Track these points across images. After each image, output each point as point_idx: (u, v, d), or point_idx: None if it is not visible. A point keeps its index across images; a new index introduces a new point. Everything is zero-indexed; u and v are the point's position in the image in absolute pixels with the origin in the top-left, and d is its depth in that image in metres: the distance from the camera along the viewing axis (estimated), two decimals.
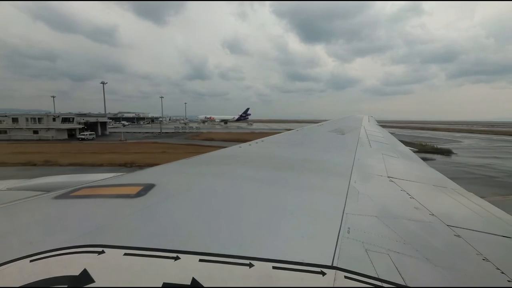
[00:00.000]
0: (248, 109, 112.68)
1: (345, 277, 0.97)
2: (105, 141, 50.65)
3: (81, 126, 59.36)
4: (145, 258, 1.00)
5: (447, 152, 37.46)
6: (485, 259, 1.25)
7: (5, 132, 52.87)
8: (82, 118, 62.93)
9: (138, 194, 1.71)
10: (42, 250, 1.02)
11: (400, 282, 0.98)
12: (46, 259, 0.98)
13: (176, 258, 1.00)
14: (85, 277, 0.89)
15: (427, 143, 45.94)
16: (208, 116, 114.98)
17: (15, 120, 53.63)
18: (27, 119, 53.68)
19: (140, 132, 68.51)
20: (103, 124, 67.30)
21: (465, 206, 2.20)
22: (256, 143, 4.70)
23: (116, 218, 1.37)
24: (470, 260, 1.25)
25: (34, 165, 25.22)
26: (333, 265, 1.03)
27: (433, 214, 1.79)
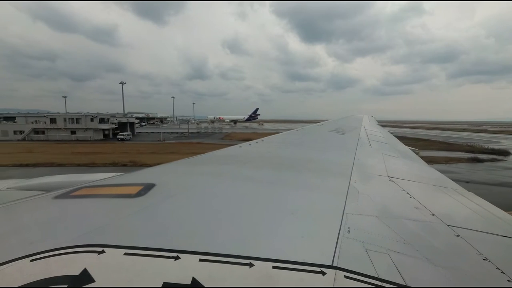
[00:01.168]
0: (257, 109, 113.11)
1: (345, 276, 0.97)
2: (144, 141, 50.21)
3: (115, 126, 59.65)
4: (145, 258, 1.00)
5: (505, 153, 36.48)
6: (485, 259, 1.25)
7: (43, 132, 52.90)
8: (116, 118, 63.29)
9: (138, 194, 1.71)
10: (42, 250, 1.02)
11: (400, 282, 0.98)
12: (46, 259, 0.98)
13: (176, 258, 1.00)
14: (85, 277, 0.89)
15: (473, 144, 45.36)
16: (218, 116, 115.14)
17: (53, 120, 53.69)
18: (65, 120, 53.78)
19: (166, 132, 68.30)
20: (132, 124, 67.78)
21: (465, 206, 2.20)
22: (256, 143, 4.70)
23: (116, 218, 1.37)
24: (470, 260, 1.25)
25: (125, 165, 25.55)
26: (333, 265, 1.03)
27: (433, 214, 1.79)
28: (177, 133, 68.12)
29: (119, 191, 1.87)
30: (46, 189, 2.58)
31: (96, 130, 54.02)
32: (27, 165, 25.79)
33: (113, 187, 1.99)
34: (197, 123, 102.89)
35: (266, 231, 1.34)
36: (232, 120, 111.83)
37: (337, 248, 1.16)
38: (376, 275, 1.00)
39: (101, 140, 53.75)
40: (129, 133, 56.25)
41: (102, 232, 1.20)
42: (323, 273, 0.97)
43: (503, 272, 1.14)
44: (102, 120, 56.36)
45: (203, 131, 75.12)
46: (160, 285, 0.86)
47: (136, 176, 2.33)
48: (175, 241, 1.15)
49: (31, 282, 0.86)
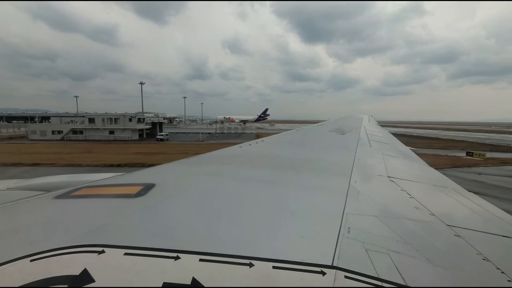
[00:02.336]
0: (267, 109, 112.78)
1: (345, 277, 0.97)
2: (184, 141, 49.85)
3: (149, 126, 59.66)
4: (145, 258, 1.00)
5: None
6: (485, 259, 1.25)
7: (81, 132, 52.92)
8: (149, 119, 63.31)
9: (138, 194, 1.71)
10: (42, 250, 1.02)
11: (400, 282, 0.98)
12: (47, 258, 0.98)
13: (176, 258, 1.00)
14: (86, 276, 0.89)
15: None
16: (227, 117, 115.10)
17: (91, 120, 53.64)
18: (103, 120, 53.72)
19: (194, 133, 68.01)
20: (161, 125, 67.87)
21: (465, 206, 2.20)
22: (256, 143, 4.70)
23: (116, 218, 1.37)
24: (470, 260, 1.25)
25: None
26: (333, 265, 1.03)
27: (433, 214, 1.79)
28: (206, 133, 67.90)
29: (119, 191, 1.87)
30: (46, 189, 2.59)
31: (133, 130, 54.15)
32: (111, 165, 25.79)
33: (113, 187, 1.99)
34: (209, 123, 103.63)
35: (266, 231, 1.34)
36: (241, 121, 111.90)
37: (337, 248, 1.16)
38: (376, 275, 1.00)
39: (139, 140, 53.62)
40: (167, 133, 56.21)
41: (102, 232, 1.20)
42: (323, 273, 0.97)
43: (503, 272, 1.14)
44: (138, 120, 56.59)
45: (225, 131, 74.99)
46: (160, 285, 0.86)
47: (136, 176, 2.33)
48: (175, 241, 1.15)
49: (31, 282, 0.86)
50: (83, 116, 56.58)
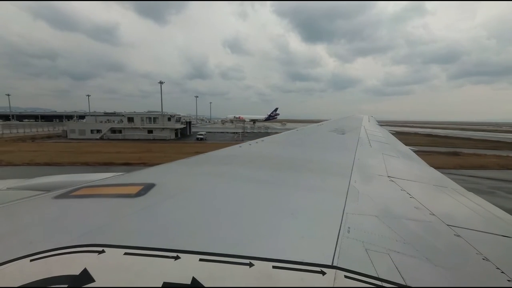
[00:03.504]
0: (276, 108, 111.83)
1: (345, 276, 0.97)
2: (224, 141, 49.29)
3: (184, 126, 59.82)
4: (145, 258, 1.00)
5: None
6: (485, 258, 1.25)
7: (120, 131, 52.97)
8: (184, 118, 63.43)
9: (138, 194, 1.71)
10: (42, 250, 1.01)
11: (400, 281, 0.98)
12: (46, 258, 0.98)
13: (176, 258, 1.00)
14: (85, 276, 0.89)
15: None
16: (237, 116, 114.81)
17: (130, 119, 53.67)
18: (142, 119, 53.72)
19: (223, 132, 67.36)
20: (190, 124, 68.19)
21: (465, 206, 2.20)
22: (256, 143, 4.70)
23: (116, 218, 1.37)
24: (470, 260, 1.25)
25: None
26: (333, 264, 1.03)
27: (433, 214, 1.79)
28: (232, 133, 67.36)
29: (119, 191, 1.87)
30: (46, 189, 2.58)
31: (171, 130, 54.03)
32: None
33: (113, 187, 1.99)
34: (223, 123, 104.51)
35: (266, 231, 1.34)
36: (251, 120, 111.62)
37: (337, 248, 1.16)
38: (376, 275, 1.00)
39: (176, 139, 53.31)
40: (205, 132, 56.28)
41: (102, 232, 1.20)
42: (323, 273, 0.97)
43: (503, 272, 1.14)
44: (176, 120, 56.72)
45: (249, 130, 74.81)
46: (160, 285, 0.86)
47: (136, 176, 2.33)
48: (175, 241, 1.15)
49: (31, 282, 0.86)
50: (123, 115, 56.61)
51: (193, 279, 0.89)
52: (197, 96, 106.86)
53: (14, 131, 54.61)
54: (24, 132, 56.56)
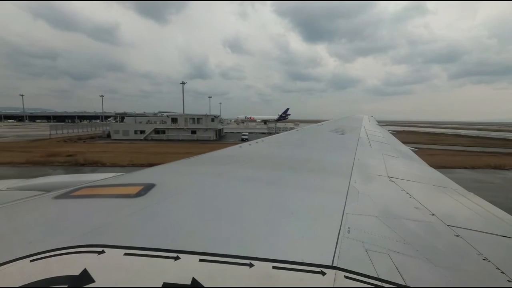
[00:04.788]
0: (287, 109, 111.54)
1: (345, 277, 0.97)
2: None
3: (222, 127, 59.89)
4: (145, 258, 1.00)
5: None
6: (485, 259, 1.24)
7: (163, 132, 52.96)
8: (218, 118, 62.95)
9: (138, 194, 1.71)
10: (42, 250, 1.01)
11: (400, 282, 0.98)
12: (46, 259, 0.98)
13: (176, 258, 1.00)
14: (85, 277, 0.89)
15: None
16: (248, 116, 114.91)
17: (174, 120, 53.71)
18: (186, 120, 53.76)
19: (252, 133, 66.42)
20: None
21: (465, 206, 2.20)
22: (256, 143, 4.70)
23: (116, 218, 1.37)
24: (470, 260, 1.25)
25: None
26: (333, 265, 1.03)
27: (433, 214, 1.79)
28: (263, 133, 66.74)
29: (119, 191, 1.87)
30: (46, 189, 2.58)
31: (213, 130, 54.10)
32: None
33: (113, 187, 1.99)
34: (237, 123, 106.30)
35: (266, 231, 1.34)
36: (263, 120, 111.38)
37: (337, 248, 1.16)
38: (376, 275, 0.99)
39: (219, 139, 53.12)
40: (248, 133, 56.40)
41: (102, 232, 1.20)
42: (323, 273, 0.97)
43: (503, 272, 1.14)
44: (217, 121, 56.65)
45: (272, 130, 74.35)
46: (160, 285, 0.86)
47: (136, 176, 2.33)
48: (175, 241, 1.15)
49: (31, 282, 0.86)
50: (167, 116, 56.60)
51: (193, 279, 0.89)
52: (211, 97, 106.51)
53: (53, 132, 54.18)
54: (62, 132, 56.31)
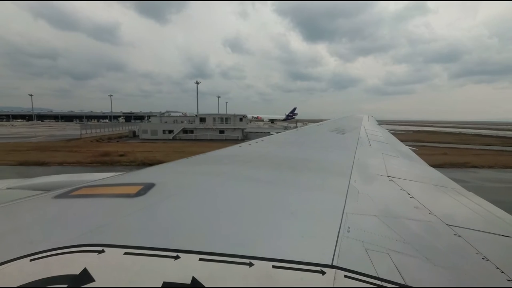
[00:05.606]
0: (295, 108, 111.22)
1: (345, 276, 0.97)
2: None
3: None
4: (145, 257, 1.00)
5: None
6: (484, 258, 1.25)
7: (191, 131, 52.83)
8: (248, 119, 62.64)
9: (138, 194, 1.71)
10: (42, 250, 1.01)
11: (400, 281, 0.98)
12: (46, 258, 0.98)
13: (176, 258, 1.00)
14: (85, 276, 0.89)
15: None
16: (256, 116, 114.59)
17: (202, 120, 53.53)
18: (214, 119, 53.53)
19: (263, 132, 66.72)
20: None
21: (465, 205, 2.20)
22: (256, 142, 4.70)
23: (116, 218, 1.37)
24: (470, 260, 1.25)
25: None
26: (333, 264, 1.03)
27: (433, 214, 1.79)
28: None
29: (119, 191, 1.87)
30: (46, 189, 2.58)
31: (241, 130, 53.97)
32: None
33: (113, 186, 1.99)
34: (247, 123, 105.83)
35: (266, 231, 1.34)
36: (270, 120, 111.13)
37: (337, 248, 1.16)
38: (376, 275, 1.00)
39: (245, 139, 52.88)
40: (275, 133, 56.25)
41: (102, 232, 1.20)
42: (323, 273, 0.97)
43: (502, 272, 1.14)
44: (242, 120, 56.74)
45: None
46: (160, 285, 0.86)
47: (136, 176, 2.33)
48: (175, 241, 1.15)
49: (31, 282, 0.86)
50: (196, 115, 56.61)
51: (193, 279, 0.89)
52: (219, 97, 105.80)
53: (83, 131, 53.45)
54: (91, 132, 55.63)
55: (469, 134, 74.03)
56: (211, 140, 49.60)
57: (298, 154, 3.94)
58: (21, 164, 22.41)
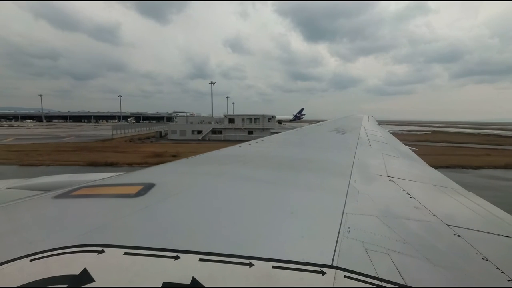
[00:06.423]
0: (302, 109, 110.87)
1: (345, 276, 0.97)
2: None
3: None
4: (145, 258, 1.00)
5: None
6: (484, 258, 1.24)
7: (220, 132, 52.95)
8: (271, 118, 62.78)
9: (138, 194, 1.71)
10: (42, 250, 1.01)
11: (400, 281, 0.98)
12: (46, 258, 0.98)
13: (176, 258, 1.00)
14: (85, 276, 0.89)
15: None
16: None
17: (231, 120, 53.85)
18: (243, 120, 53.85)
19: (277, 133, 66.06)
20: None
21: (465, 205, 2.20)
22: (256, 142, 4.70)
23: (116, 218, 1.37)
24: (470, 260, 1.25)
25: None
26: (333, 264, 1.03)
27: (433, 214, 1.79)
28: None
29: (119, 191, 1.87)
30: (46, 189, 2.58)
31: (269, 130, 53.49)
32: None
33: (113, 187, 1.99)
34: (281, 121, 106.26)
35: (266, 231, 1.34)
36: (278, 120, 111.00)
37: (337, 248, 1.16)
38: (376, 275, 1.00)
39: None
40: None
41: (102, 232, 1.20)
42: (323, 273, 0.97)
43: (502, 272, 1.14)
44: (269, 121, 56.69)
45: None
46: (160, 285, 0.86)
47: (136, 176, 2.33)
48: (175, 241, 1.15)
49: (30, 282, 0.86)
50: (225, 116, 56.75)
51: (193, 279, 0.89)
52: (228, 97, 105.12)
53: (115, 132, 53.25)
54: (121, 132, 55.46)
55: (488, 134, 72.34)
56: (240, 141, 50.72)
57: (298, 154, 3.94)
58: (90, 164, 22.25)
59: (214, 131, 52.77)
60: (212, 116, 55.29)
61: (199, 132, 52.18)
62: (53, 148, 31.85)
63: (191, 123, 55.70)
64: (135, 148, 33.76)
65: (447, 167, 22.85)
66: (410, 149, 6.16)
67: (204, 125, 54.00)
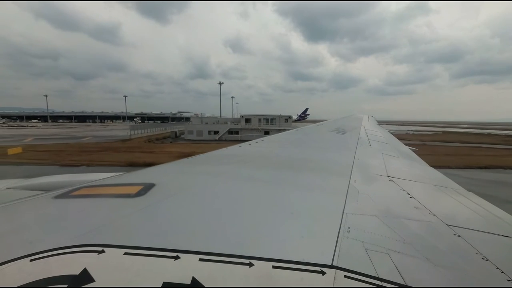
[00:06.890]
0: (307, 109, 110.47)
1: (345, 276, 0.97)
2: None
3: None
4: (145, 258, 1.00)
5: None
6: (484, 258, 1.24)
7: (237, 132, 53.06)
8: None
9: (138, 194, 1.71)
10: (42, 250, 1.02)
11: (400, 281, 0.98)
12: (46, 258, 0.98)
13: (176, 258, 1.00)
14: (85, 276, 0.89)
15: None
16: None
17: (248, 120, 54.06)
18: (259, 120, 53.97)
19: None
20: None
21: (465, 205, 2.20)
22: (256, 142, 4.70)
23: (116, 218, 1.37)
24: (470, 260, 1.25)
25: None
26: (333, 264, 1.03)
27: (433, 214, 1.79)
28: None
29: (119, 191, 1.87)
30: (46, 189, 2.59)
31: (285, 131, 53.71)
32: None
33: (113, 187, 1.99)
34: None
35: (266, 231, 1.34)
36: None
37: (337, 248, 1.16)
38: (376, 275, 1.00)
39: None
40: None
41: (102, 232, 1.20)
42: (323, 273, 0.97)
43: (502, 272, 1.14)
44: (286, 121, 56.69)
45: None
46: (160, 285, 0.86)
47: (136, 176, 2.33)
48: (175, 241, 1.15)
49: (31, 282, 0.86)
50: (242, 117, 56.93)
51: (193, 279, 0.89)
52: (233, 97, 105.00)
53: (133, 132, 53.38)
54: (138, 133, 55.48)
55: (500, 135, 71.09)
56: None
57: (298, 154, 3.94)
58: (130, 164, 22.00)
59: (230, 132, 52.95)
60: (220, 116, 55.09)
61: (216, 132, 52.32)
62: (79, 149, 31.63)
63: (206, 123, 55.72)
64: (160, 149, 33.58)
65: (485, 167, 21.99)
66: (410, 149, 6.16)
67: (221, 126, 54.03)
